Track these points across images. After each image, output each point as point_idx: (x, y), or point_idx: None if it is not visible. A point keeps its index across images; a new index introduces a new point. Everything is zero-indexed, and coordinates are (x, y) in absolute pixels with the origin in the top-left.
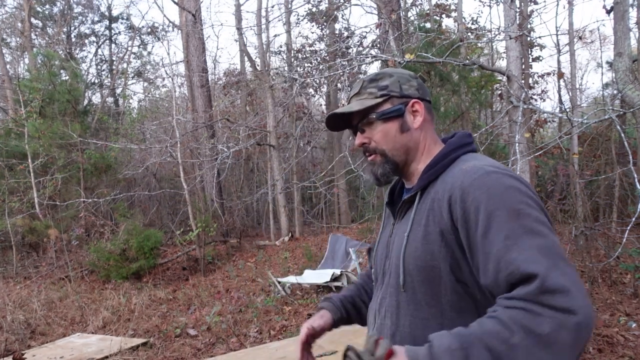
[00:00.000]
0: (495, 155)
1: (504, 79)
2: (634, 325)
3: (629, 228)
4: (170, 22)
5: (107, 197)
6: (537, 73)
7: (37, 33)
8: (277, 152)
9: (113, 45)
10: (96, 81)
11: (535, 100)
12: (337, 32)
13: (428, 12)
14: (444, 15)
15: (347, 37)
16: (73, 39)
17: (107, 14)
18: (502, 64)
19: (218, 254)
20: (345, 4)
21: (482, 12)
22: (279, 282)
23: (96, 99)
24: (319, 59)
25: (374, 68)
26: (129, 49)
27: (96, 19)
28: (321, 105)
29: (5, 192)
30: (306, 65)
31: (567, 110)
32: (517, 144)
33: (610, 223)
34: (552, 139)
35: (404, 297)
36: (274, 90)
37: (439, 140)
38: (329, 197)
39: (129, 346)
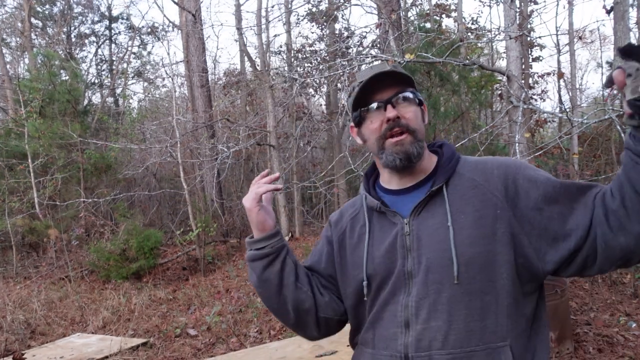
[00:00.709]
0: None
1: (504, 79)
2: (634, 325)
3: None
4: (170, 22)
5: (107, 197)
6: (537, 73)
7: (37, 33)
8: (277, 152)
9: (113, 45)
10: (96, 81)
11: (535, 100)
12: (337, 32)
13: (428, 12)
14: (444, 15)
15: (347, 37)
16: (73, 39)
17: (107, 14)
18: (502, 64)
19: (218, 254)
20: (345, 4)
21: (482, 12)
22: None
23: (96, 99)
24: (319, 59)
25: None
26: (129, 49)
27: (96, 19)
28: (321, 105)
29: (5, 192)
30: (306, 65)
31: (567, 110)
32: (517, 144)
33: None
34: (552, 139)
35: (457, 289)
36: (274, 90)
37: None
38: (329, 197)
39: (129, 346)
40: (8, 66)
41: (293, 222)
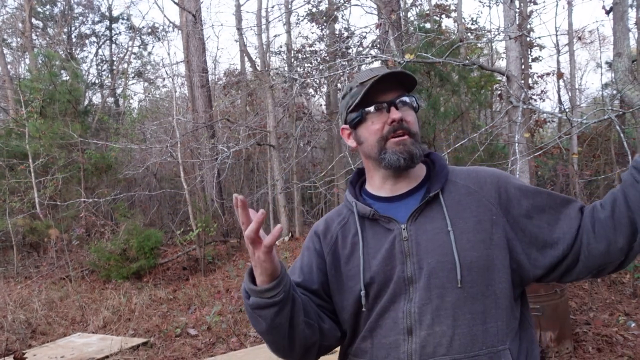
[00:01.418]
0: (495, 156)
1: (504, 79)
2: (633, 324)
3: None
4: (170, 22)
5: (108, 197)
6: (537, 73)
7: (37, 33)
8: (277, 152)
9: (113, 46)
10: (97, 81)
11: (535, 100)
12: (337, 32)
13: (428, 12)
14: (443, 16)
15: (347, 37)
16: (73, 40)
17: (107, 14)
18: (501, 64)
19: (218, 253)
20: (345, 4)
21: (481, 13)
22: None
23: (97, 99)
24: (319, 59)
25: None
26: (130, 49)
27: (97, 19)
28: (321, 105)
29: (6, 192)
30: (306, 65)
31: (567, 110)
32: (516, 144)
33: None
34: (551, 139)
35: (460, 293)
36: (274, 91)
37: None
38: (329, 197)
39: (130, 346)
40: (9, 66)
41: (293, 222)
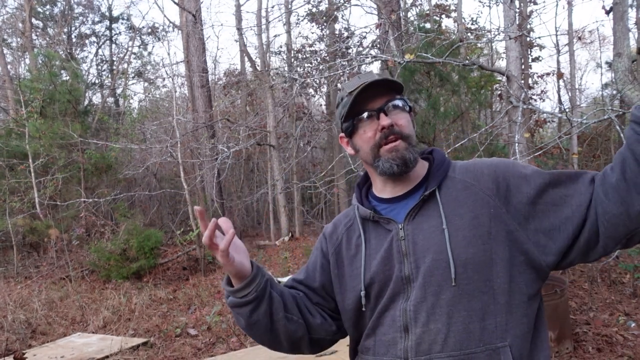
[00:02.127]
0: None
1: (504, 79)
2: (633, 324)
3: None
4: (170, 22)
5: (108, 197)
6: (537, 73)
7: (37, 33)
8: (277, 152)
9: (113, 46)
10: (97, 81)
11: (535, 100)
12: (337, 32)
13: (428, 12)
14: (443, 16)
15: (347, 37)
16: (74, 40)
17: (107, 14)
18: (501, 64)
19: None
20: (345, 4)
21: (481, 13)
22: (279, 282)
23: (97, 99)
24: (319, 59)
25: (374, 68)
26: (130, 49)
27: (97, 19)
28: (321, 105)
29: (6, 192)
30: (306, 65)
31: (567, 110)
32: (516, 144)
33: None
34: (551, 139)
35: (455, 291)
36: (274, 91)
37: None
38: (329, 197)
39: (130, 346)
40: (9, 66)
41: (293, 222)
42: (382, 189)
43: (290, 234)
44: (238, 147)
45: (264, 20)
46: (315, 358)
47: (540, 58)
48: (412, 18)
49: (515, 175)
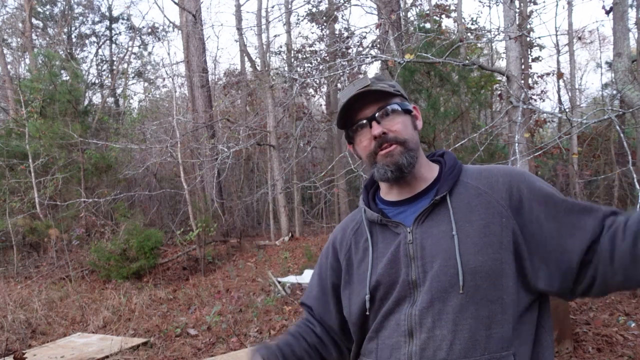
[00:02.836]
0: (495, 156)
1: (504, 79)
2: (633, 324)
3: None
4: (170, 22)
5: (108, 197)
6: (537, 73)
7: (37, 33)
8: (277, 152)
9: (113, 46)
10: (97, 81)
11: (535, 100)
12: (337, 32)
13: (428, 12)
14: (443, 16)
15: (347, 37)
16: (74, 40)
17: (107, 14)
18: (501, 64)
19: (218, 253)
20: (345, 4)
21: (481, 13)
22: (279, 282)
23: (97, 99)
24: (319, 59)
25: (374, 68)
26: (130, 49)
27: (97, 19)
28: (321, 105)
29: (6, 192)
30: (306, 65)
31: (567, 110)
32: (516, 144)
33: None
34: (551, 139)
35: (463, 298)
36: (274, 91)
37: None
38: (329, 197)
39: (130, 346)
40: (9, 66)
41: (293, 222)
42: (388, 192)
43: (290, 234)
44: (238, 147)
45: (264, 20)
46: None
47: (540, 58)
48: (412, 18)
49: (530, 189)
